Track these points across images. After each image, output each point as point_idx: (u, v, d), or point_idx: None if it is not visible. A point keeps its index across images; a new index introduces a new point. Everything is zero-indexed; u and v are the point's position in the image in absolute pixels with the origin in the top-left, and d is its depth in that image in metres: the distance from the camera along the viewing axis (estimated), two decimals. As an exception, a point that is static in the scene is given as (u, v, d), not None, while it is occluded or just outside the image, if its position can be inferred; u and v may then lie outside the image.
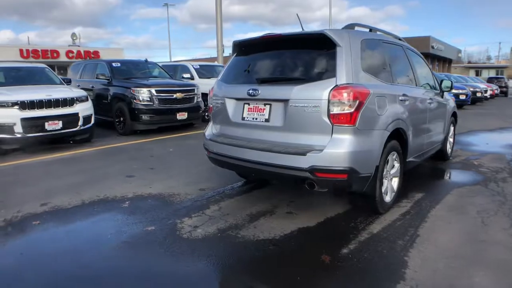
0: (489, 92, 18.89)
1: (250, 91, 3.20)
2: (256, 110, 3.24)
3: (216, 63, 13.37)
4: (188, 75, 10.54)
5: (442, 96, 4.95)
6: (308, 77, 3.04)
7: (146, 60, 9.52)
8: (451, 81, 4.86)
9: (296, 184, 3.25)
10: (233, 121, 3.44)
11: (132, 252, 2.77)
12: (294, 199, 3.85)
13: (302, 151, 2.90)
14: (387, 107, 3.25)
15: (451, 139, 5.68)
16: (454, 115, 5.62)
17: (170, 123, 8.23)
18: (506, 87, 26.00)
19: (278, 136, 3.09)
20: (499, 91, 23.38)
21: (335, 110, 2.83)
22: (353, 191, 3.12)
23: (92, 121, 6.80)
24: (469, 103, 15.62)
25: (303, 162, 2.89)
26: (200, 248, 2.82)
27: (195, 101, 8.72)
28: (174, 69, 10.94)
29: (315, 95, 2.89)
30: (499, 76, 31.51)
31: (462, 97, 14.74)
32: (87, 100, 6.73)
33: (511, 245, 2.86)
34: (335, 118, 2.84)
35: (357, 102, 2.85)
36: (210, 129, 3.79)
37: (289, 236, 3.02)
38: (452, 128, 5.66)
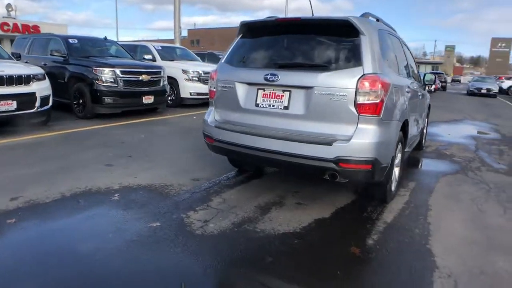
0: (433, 86, 20.43)
1: (268, 76, 2.97)
2: (273, 97, 3.03)
3: (178, 45, 12.68)
4: (149, 56, 9.86)
5: (424, 89, 5.14)
6: (332, 65, 2.91)
7: (105, 38, 8.67)
8: (435, 76, 5.06)
9: (315, 174, 3.12)
10: (244, 108, 3.19)
11: (144, 253, 2.45)
12: (298, 189, 3.73)
13: (327, 141, 2.78)
14: (400, 98, 3.24)
15: (424, 130, 5.96)
16: (429, 107, 5.90)
17: (135, 107, 7.63)
18: (445, 82, 28.39)
19: (299, 124, 2.93)
20: (440, 85, 25.44)
21: (362, 99, 2.74)
22: (373, 182, 3.07)
23: (50, 102, 6.03)
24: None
25: (328, 152, 2.77)
26: (220, 245, 2.59)
27: (161, 84, 8.19)
28: (133, 49, 10.15)
29: (342, 83, 2.76)
30: (439, 71, 34.27)
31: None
32: (44, 78, 5.93)
33: (515, 231, 3.05)
34: (361, 108, 2.75)
35: (383, 92, 2.78)
36: (212, 116, 3.49)
37: (308, 229, 2.91)
38: (426, 119, 5.93)
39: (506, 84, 27.89)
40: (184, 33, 55.55)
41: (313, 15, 3.51)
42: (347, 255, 2.54)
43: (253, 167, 4.31)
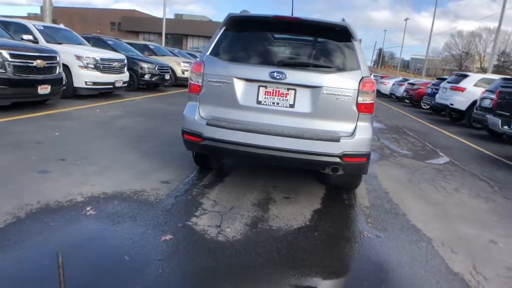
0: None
1: (275, 74, 2.94)
2: (276, 95, 3.01)
3: (61, 25, 10.73)
4: (29, 37, 8.11)
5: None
6: (335, 66, 3.08)
7: (-28, 9, 6.76)
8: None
9: (316, 169, 3.25)
10: (242, 105, 3.06)
11: (190, 271, 2.18)
12: (275, 184, 3.80)
13: (335, 137, 2.95)
14: None
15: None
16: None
17: (29, 98, 6.27)
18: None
19: (305, 122, 3.00)
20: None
21: (361, 99, 3.01)
22: (361, 173, 3.40)
23: None
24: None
25: (336, 148, 2.95)
26: (255, 248, 2.49)
27: (57, 71, 6.94)
28: (4, 28, 8.22)
29: (348, 84, 2.96)
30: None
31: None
32: None
33: (455, 202, 3.86)
34: (361, 107, 3.02)
35: (375, 93, 3.11)
36: (198, 112, 3.23)
37: (315, 220, 3.05)
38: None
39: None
40: (37, 10, 47.25)
41: (292, 14, 3.58)
42: (363, 239, 2.80)
43: (217, 165, 4.18)
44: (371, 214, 3.32)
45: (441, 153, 6.46)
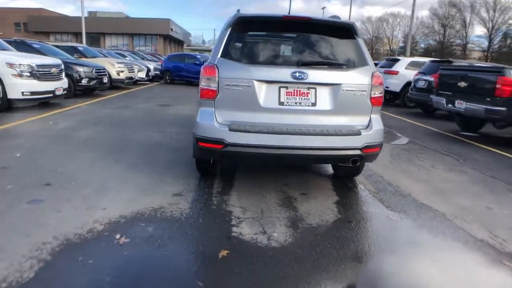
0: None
1: (297, 75, 2.96)
2: (298, 94, 3.03)
3: None
4: None
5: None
6: (349, 64, 3.20)
7: None
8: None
9: (338, 162, 3.49)
10: (264, 107, 3.03)
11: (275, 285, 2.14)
12: (285, 182, 3.86)
13: (356, 131, 3.09)
14: None
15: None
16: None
17: (-35, 118, 5.39)
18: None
19: (326, 119, 3.09)
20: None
21: (373, 93, 3.20)
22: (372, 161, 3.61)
23: None
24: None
25: (358, 141, 3.10)
26: (313, 249, 2.52)
27: (-8, 84, 6.07)
28: None
29: (362, 80, 3.12)
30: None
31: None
32: None
33: (438, 178, 4.31)
34: (374, 101, 3.21)
35: (383, 86, 3.33)
36: (214, 118, 3.10)
37: (341, 212, 3.18)
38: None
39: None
40: None
41: (289, 13, 3.61)
42: (392, 222, 3.03)
43: (219, 170, 4.09)
44: (383, 198, 3.56)
45: (398, 134, 7.08)
